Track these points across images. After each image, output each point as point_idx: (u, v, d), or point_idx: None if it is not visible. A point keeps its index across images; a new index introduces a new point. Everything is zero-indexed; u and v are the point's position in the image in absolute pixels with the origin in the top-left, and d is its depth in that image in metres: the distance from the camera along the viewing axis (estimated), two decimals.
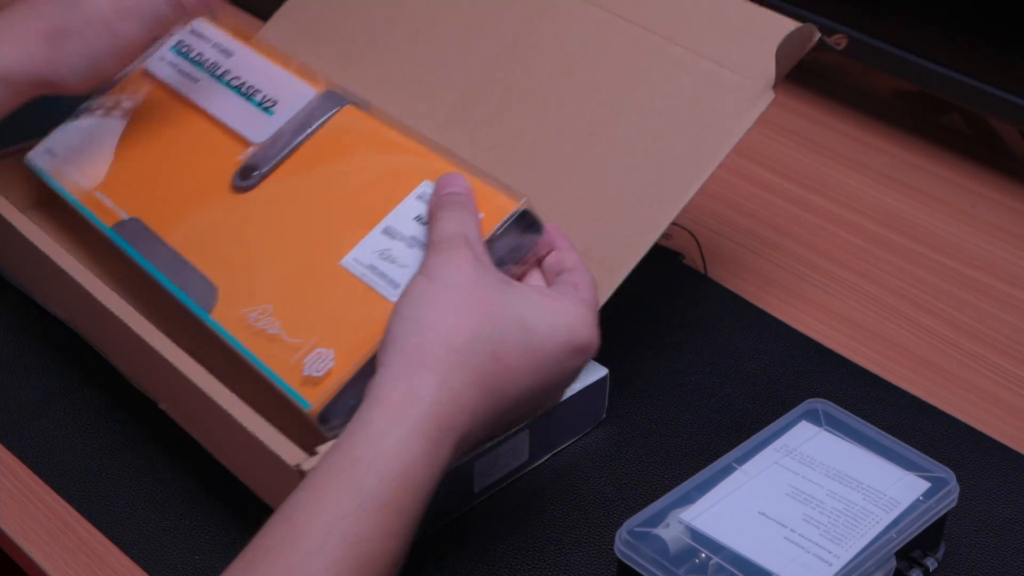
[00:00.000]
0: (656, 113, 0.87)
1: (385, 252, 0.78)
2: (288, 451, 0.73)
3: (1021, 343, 0.95)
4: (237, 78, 0.92)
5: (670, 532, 0.73)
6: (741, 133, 0.84)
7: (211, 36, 0.96)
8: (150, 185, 0.91)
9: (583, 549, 0.79)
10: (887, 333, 0.96)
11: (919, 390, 0.91)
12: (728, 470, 0.77)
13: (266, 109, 0.89)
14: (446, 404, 0.65)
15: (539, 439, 0.83)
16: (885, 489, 0.76)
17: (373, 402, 0.66)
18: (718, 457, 0.78)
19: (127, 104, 0.96)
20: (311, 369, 0.76)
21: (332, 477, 0.64)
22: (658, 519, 0.74)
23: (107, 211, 0.90)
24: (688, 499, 0.75)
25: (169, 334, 0.82)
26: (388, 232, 0.79)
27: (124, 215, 0.89)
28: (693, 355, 0.93)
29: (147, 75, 0.96)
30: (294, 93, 0.89)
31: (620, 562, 0.73)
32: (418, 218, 0.78)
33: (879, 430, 0.80)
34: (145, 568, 0.77)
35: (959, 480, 0.76)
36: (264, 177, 0.86)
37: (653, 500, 0.76)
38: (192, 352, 0.81)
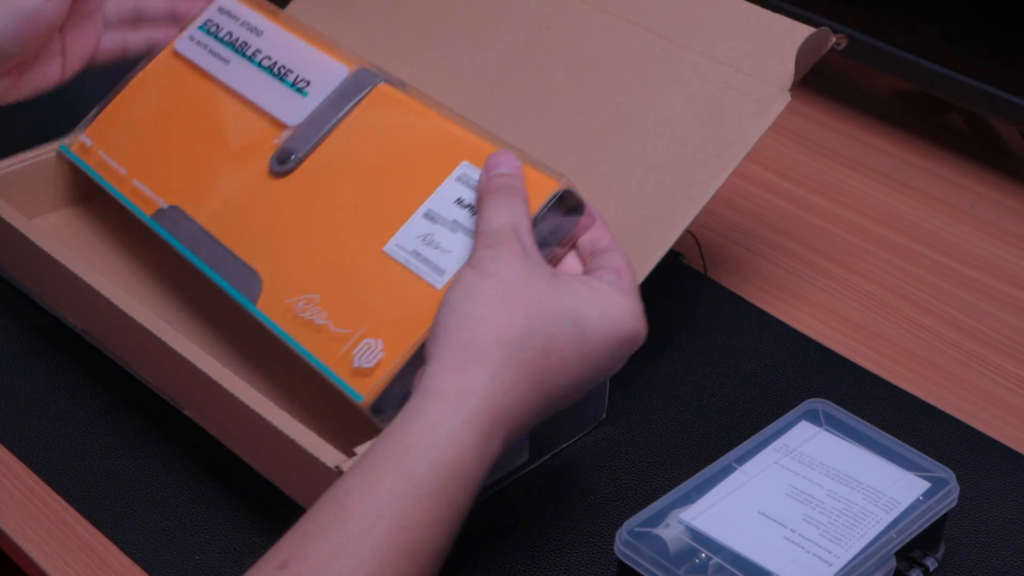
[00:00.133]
0: (672, 116, 0.87)
1: (428, 237, 0.77)
2: (326, 453, 0.74)
3: (1021, 343, 0.95)
4: (268, 58, 0.91)
5: (670, 532, 0.73)
6: (758, 135, 0.84)
7: (240, 14, 0.94)
8: (186, 171, 0.90)
9: (583, 549, 0.79)
10: (887, 333, 0.96)
11: (919, 390, 0.91)
12: (728, 470, 0.77)
13: (299, 90, 0.88)
14: (499, 399, 0.66)
15: (539, 439, 0.83)
16: (885, 489, 0.76)
17: (426, 394, 0.66)
18: (718, 457, 0.78)
19: (158, 87, 0.94)
20: (361, 360, 0.75)
21: (384, 463, 0.64)
22: (658, 519, 0.74)
23: (146, 199, 0.89)
24: (688, 499, 0.75)
25: (201, 326, 0.82)
26: (429, 216, 0.77)
27: (163, 203, 0.88)
28: (693, 355, 0.93)
29: (176, 56, 0.95)
30: (326, 72, 0.88)
31: (620, 562, 0.73)
32: (459, 201, 0.77)
33: (879, 430, 0.80)
34: (145, 568, 0.77)
35: (959, 480, 0.76)
36: (301, 161, 0.85)
37: (653, 500, 0.76)
38: (228, 346, 0.81)
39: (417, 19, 1.01)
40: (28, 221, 0.91)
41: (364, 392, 0.75)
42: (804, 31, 0.86)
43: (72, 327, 0.92)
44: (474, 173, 0.78)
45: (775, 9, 0.89)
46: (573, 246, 0.76)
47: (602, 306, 0.70)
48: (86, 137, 0.96)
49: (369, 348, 0.75)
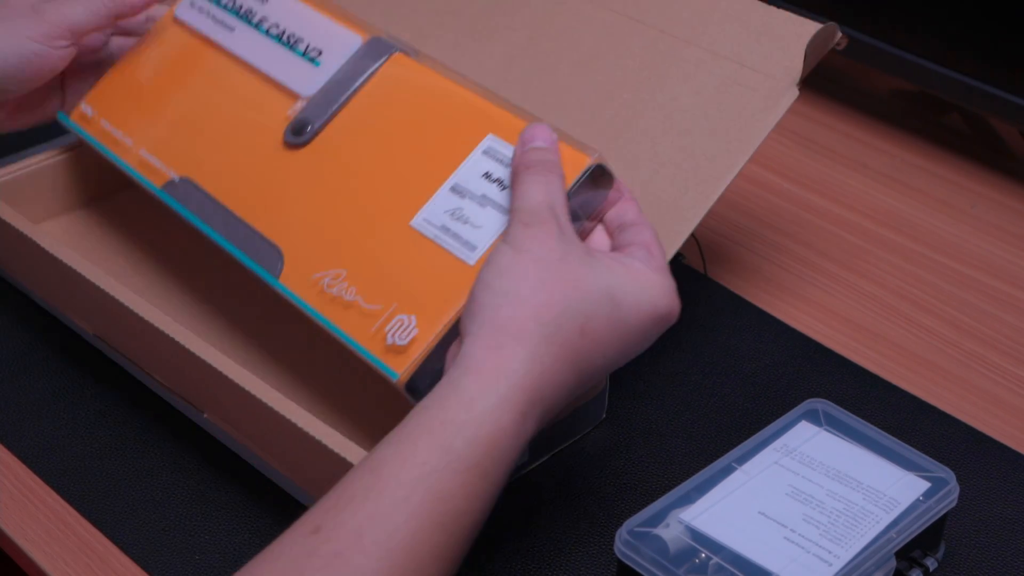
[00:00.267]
0: (680, 112, 0.87)
1: (456, 212, 0.75)
2: (350, 451, 0.74)
3: (1021, 343, 0.95)
4: (276, 26, 0.88)
5: (670, 532, 0.73)
6: (767, 130, 0.85)
7: None
8: (196, 142, 0.87)
9: (583, 549, 0.79)
10: (887, 333, 0.96)
11: (919, 390, 0.91)
12: (728, 470, 0.77)
13: (311, 59, 0.85)
14: (535, 378, 0.66)
15: (539, 439, 0.83)
16: (885, 489, 0.76)
17: (464, 370, 0.66)
18: (718, 457, 0.78)
19: (160, 55, 0.92)
20: (395, 337, 0.74)
21: (422, 435, 0.64)
22: (658, 519, 0.74)
23: (154, 170, 0.87)
24: (688, 499, 0.75)
25: (214, 327, 0.81)
26: (456, 190, 0.76)
27: (174, 175, 0.86)
28: (693, 355, 0.93)
29: (177, 23, 0.93)
30: (339, 41, 0.86)
31: (620, 562, 0.73)
32: (487, 175, 0.75)
33: (879, 430, 0.80)
34: (145, 568, 0.77)
35: (959, 480, 0.76)
36: (317, 132, 0.83)
37: (653, 500, 0.76)
38: (243, 346, 0.80)
39: (418, 16, 1.00)
40: (35, 226, 0.91)
41: (399, 370, 0.73)
42: (809, 26, 0.86)
43: (80, 331, 0.92)
44: (501, 146, 0.76)
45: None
46: (601, 220, 0.75)
47: (637, 284, 0.70)
48: (86, 106, 0.93)
49: (402, 325, 0.74)
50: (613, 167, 0.74)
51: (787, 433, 0.80)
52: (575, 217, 0.73)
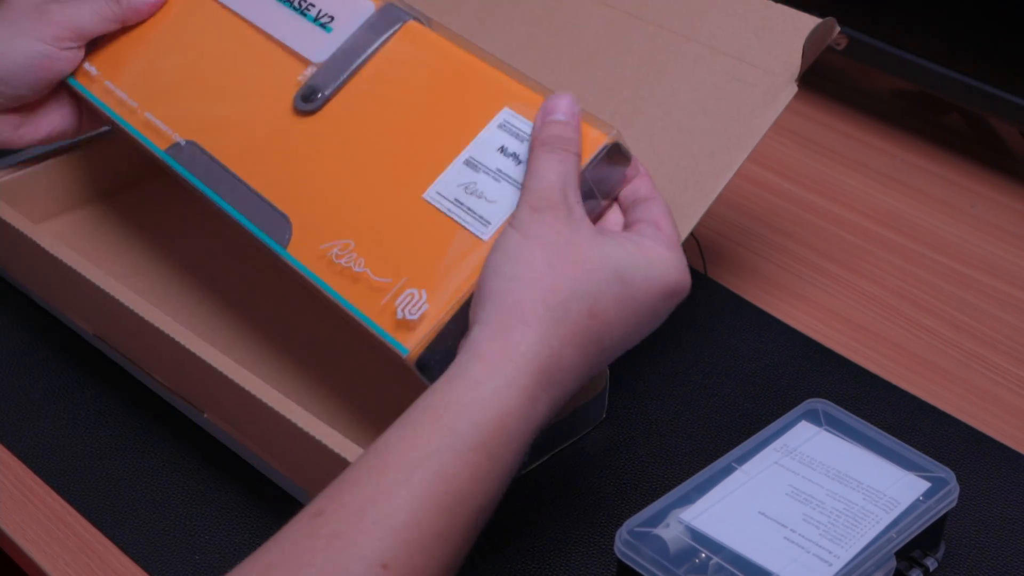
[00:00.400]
0: (680, 107, 0.87)
1: (470, 186, 0.74)
2: (350, 451, 0.73)
3: (1021, 343, 0.95)
4: None
5: (670, 532, 0.73)
6: (766, 126, 0.84)
7: None
8: (202, 106, 0.85)
9: (583, 549, 0.79)
10: (887, 333, 0.96)
11: (919, 390, 0.91)
12: (728, 470, 0.77)
13: (323, 25, 0.83)
14: (544, 361, 0.66)
15: (539, 439, 0.83)
16: (885, 489, 0.76)
17: (471, 356, 0.66)
18: (718, 457, 0.78)
19: (166, 16, 0.90)
20: (405, 312, 0.72)
21: (425, 418, 0.64)
22: (658, 519, 0.74)
23: (159, 133, 0.85)
24: (688, 499, 0.75)
25: (215, 327, 0.80)
26: (470, 164, 0.75)
27: (179, 138, 0.84)
28: (693, 355, 0.93)
29: None
30: (352, 7, 0.84)
31: (620, 562, 0.73)
32: (502, 149, 0.74)
33: (879, 430, 0.80)
34: (145, 568, 0.77)
35: (959, 480, 0.76)
36: (328, 100, 0.81)
37: (653, 500, 0.76)
38: (243, 346, 0.79)
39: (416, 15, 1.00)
40: (35, 226, 0.90)
41: (409, 346, 0.72)
42: (808, 21, 0.86)
43: (80, 331, 0.92)
44: (517, 120, 0.75)
45: None
46: (616, 199, 0.75)
47: (646, 260, 0.69)
48: (90, 66, 0.90)
49: (412, 299, 0.73)
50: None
51: (787, 433, 0.80)
52: (590, 195, 0.72)
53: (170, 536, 0.79)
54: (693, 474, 0.77)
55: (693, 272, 1.00)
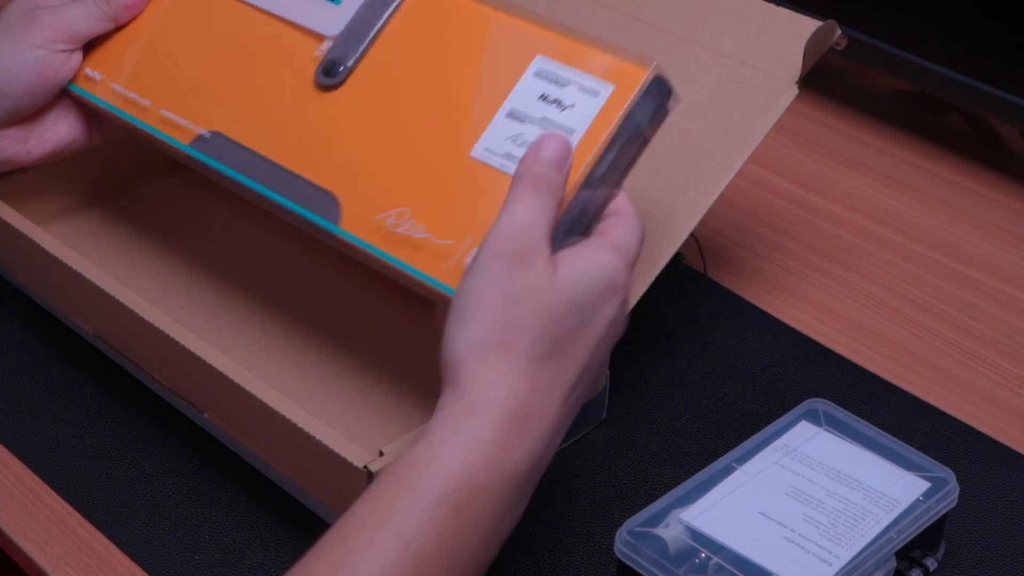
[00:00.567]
0: (680, 110, 0.87)
1: (517, 137, 0.73)
2: (352, 453, 0.73)
3: (1021, 343, 0.95)
4: None
5: (670, 532, 0.73)
6: (767, 129, 0.84)
7: None
8: (220, 95, 0.83)
9: (583, 549, 0.79)
10: (887, 333, 0.96)
11: (919, 390, 0.91)
12: (728, 470, 0.77)
13: None
14: (513, 411, 0.65)
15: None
16: (885, 489, 0.76)
17: (435, 416, 0.65)
18: (718, 457, 0.78)
19: (167, 10, 0.88)
20: None
21: (389, 481, 0.64)
22: (658, 519, 0.74)
23: (180, 128, 0.83)
24: (688, 499, 0.75)
25: (217, 328, 0.80)
26: (513, 115, 0.74)
27: (202, 131, 0.82)
28: (693, 355, 0.93)
29: None
30: None
31: (620, 562, 0.73)
32: (544, 97, 0.73)
33: (879, 430, 0.80)
34: (145, 568, 0.77)
35: (959, 480, 0.76)
36: (351, 71, 0.79)
37: (653, 500, 0.76)
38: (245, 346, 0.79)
39: None
40: (35, 226, 0.90)
41: None
42: (808, 24, 0.86)
43: (80, 331, 0.92)
44: (553, 66, 0.74)
45: None
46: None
47: (589, 275, 0.68)
48: (92, 71, 0.88)
49: None
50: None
51: (787, 433, 0.80)
52: (638, 131, 0.71)
53: (170, 536, 0.79)
54: (693, 474, 0.77)
55: (693, 272, 1.00)
